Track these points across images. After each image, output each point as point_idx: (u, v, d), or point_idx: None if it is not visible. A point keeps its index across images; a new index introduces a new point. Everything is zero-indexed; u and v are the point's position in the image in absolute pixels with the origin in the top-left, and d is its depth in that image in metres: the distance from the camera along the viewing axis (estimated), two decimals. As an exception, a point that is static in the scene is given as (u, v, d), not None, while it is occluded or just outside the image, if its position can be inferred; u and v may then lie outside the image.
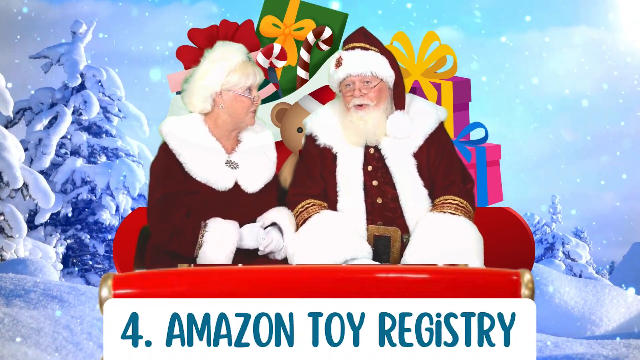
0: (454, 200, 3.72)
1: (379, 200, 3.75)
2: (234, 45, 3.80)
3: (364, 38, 3.80)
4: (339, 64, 3.77)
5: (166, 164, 3.70)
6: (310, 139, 3.87)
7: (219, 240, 3.57)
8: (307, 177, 3.83)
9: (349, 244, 3.62)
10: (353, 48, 3.78)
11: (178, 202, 3.65)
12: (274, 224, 3.74)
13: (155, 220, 3.68)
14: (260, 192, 3.75)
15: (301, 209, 3.77)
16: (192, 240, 3.59)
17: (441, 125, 3.86)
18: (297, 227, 3.75)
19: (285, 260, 3.72)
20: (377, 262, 3.64)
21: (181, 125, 3.74)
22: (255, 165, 3.76)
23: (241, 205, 3.71)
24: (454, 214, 3.69)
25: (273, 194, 3.81)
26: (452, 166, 3.81)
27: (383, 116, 3.75)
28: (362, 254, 3.62)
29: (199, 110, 3.75)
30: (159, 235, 3.66)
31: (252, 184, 3.73)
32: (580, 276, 20.22)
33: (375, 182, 3.77)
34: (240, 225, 3.66)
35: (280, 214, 3.75)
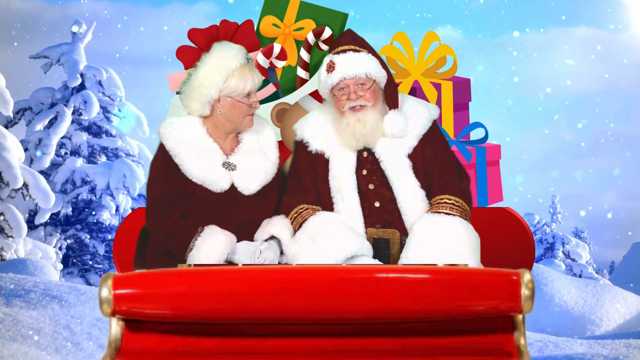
0: (450, 199, 3.70)
1: (377, 204, 3.74)
2: (232, 48, 3.74)
3: (353, 40, 3.77)
4: (331, 68, 3.72)
5: (164, 164, 3.69)
6: (301, 145, 3.83)
7: (208, 248, 3.54)
8: (299, 185, 3.79)
9: (349, 240, 3.60)
10: (344, 51, 3.74)
11: (175, 201, 3.64)
12: (272, 237, 3.69)
13: (152, 219, 3.69)
14: (258, 193, 3.71)
15: (295, 214, 3.73)
16: (184, 243, 3.57)
17: (434, 124, 3.82)
18: (294, 232, 3.70)
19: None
20: (378, 260, 3.63)
21: (179, 126, 3.73)
22: (253, 167, 3.72)
23: (238, 207, 3.68)
24: (449, 213, 3.66)
25: (272, 196, 3.76)
26: (447, 165, 3.78)
27: (380, 117, 3.72)
28: (362, 251, 3.60)
29: (198, 114, 3.73)
30: (155, 234, 3.67)
31: (249, 186, 3.69)
32: (580, 276, 20.21)
33: (371, 186, 3.74)
34: (238, 227, 3.64)
35: (280, 228, 3.68)
